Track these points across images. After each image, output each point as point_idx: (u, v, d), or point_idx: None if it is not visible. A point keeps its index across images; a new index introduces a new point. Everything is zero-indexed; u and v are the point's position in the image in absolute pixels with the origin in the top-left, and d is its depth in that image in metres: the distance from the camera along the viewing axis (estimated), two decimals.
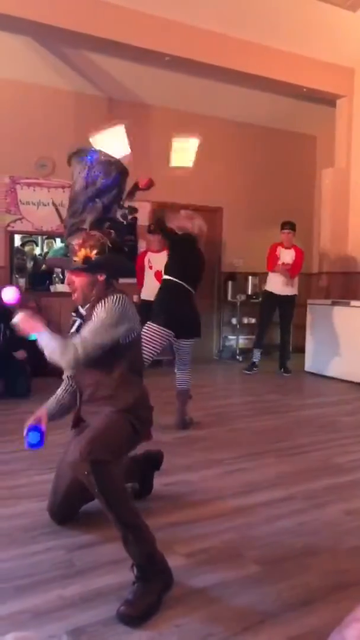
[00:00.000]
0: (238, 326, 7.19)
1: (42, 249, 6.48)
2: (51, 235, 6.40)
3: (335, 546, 2.22)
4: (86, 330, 2.02)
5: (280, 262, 6.08)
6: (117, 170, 2.15)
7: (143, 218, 6.73)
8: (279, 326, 6.37)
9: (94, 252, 2.05)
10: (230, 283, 7.28)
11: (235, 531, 2.33)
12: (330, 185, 6.74)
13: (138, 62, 5.79)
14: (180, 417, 3.91)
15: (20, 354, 4.84)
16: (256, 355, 6.35)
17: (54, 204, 6.01)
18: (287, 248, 6.13)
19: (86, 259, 2.06)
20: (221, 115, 7.05)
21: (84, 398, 2.23)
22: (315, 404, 4.92)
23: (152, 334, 3.72)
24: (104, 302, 2.04)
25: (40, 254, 6.48)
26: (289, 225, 6.13)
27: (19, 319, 2.06)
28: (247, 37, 5.69)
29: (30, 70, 5.77)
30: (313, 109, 7.08)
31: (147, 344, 3.60)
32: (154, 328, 3.73)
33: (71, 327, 2.24)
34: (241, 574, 1.99)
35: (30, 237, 6.38)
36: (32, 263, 6.46)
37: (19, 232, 6.19)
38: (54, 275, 6.39)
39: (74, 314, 2.25)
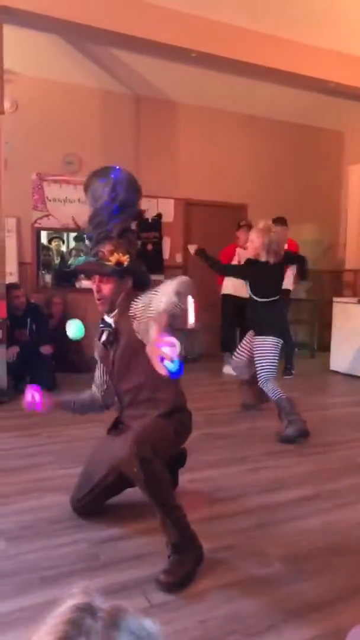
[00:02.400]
0: None
1: (67, 245, 6.54)
2: (78, 232, 6.44)
3: None
4: (163, 296, 1.93)
5: None
6: (135, 188, 2.21)
7: (167, 214, 6.74)
8: None
9: (126, 257, 2.11)
10: None
11: (259, 529, 2.33)
12: (358, 181, 6.65)
13: (165, 59, 5.77)
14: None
15: (47, 349, 4.89)
16: None
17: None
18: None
19: (119, 264, 2.10)
20: (247, 112, 7.00)
21: (125, 404, 2.27)
22: (341, 403, 4.87)
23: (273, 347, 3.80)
24: (144, 296, 2.07)
25: (66, 251, 6.53)
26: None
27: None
28: (274, 32, 5.62)
29: (57, 68, 5.81)
30: (341, 104, 6.96)
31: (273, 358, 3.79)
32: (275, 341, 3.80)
33: (100, 338, 2.27)
34: (265, 572, 1.99)
35: (56, 234, 6.44)
36: (58, 259, 6.52)
37: (45, 229, 6.26)
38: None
39: (101, 324, 2.27)
